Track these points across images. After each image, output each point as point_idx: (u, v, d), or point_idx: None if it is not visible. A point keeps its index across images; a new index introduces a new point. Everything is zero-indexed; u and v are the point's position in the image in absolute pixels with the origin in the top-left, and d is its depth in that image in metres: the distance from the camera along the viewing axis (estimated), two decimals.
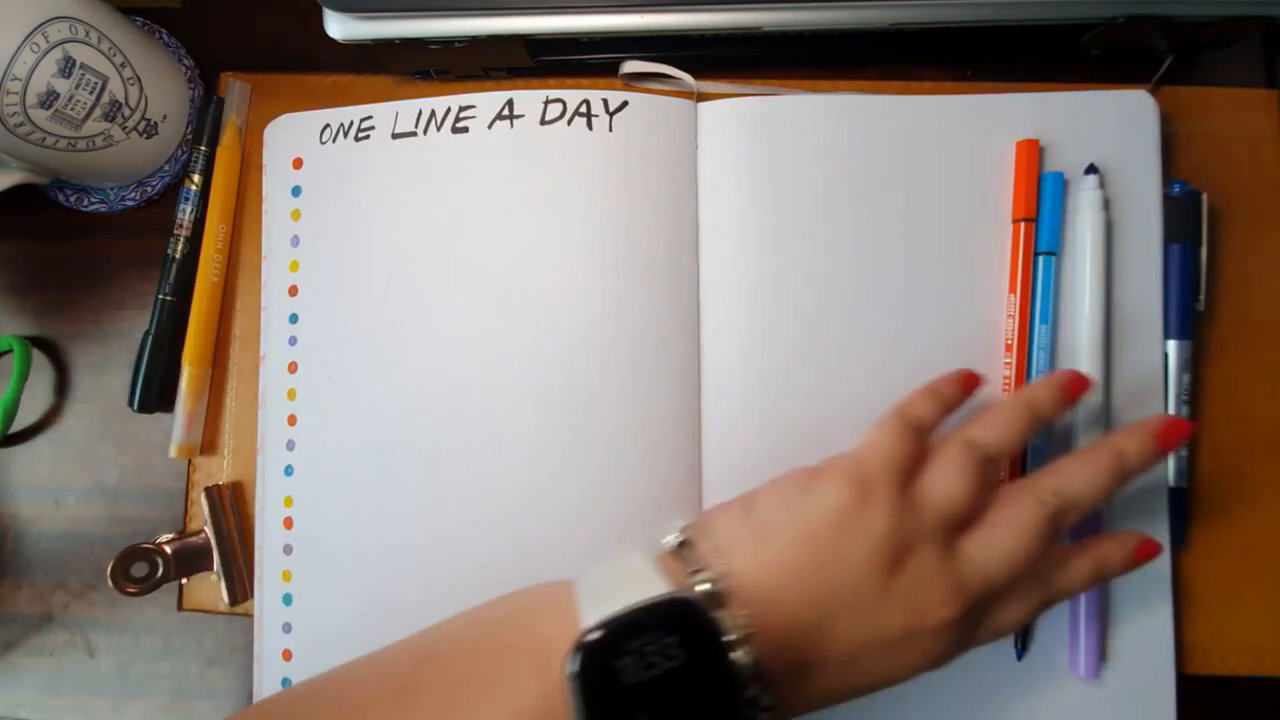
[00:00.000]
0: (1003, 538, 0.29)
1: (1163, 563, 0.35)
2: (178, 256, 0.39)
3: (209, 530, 0.38)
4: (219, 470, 0.39)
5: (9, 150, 0.35)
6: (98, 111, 0.36)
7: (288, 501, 0.37)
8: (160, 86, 0.38)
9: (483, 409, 0.36)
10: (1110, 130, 0.37)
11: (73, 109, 0.35)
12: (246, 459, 0.39)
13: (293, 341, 0.38)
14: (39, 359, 0.41)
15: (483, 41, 0.36)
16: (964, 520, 0.29)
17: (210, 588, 0.39)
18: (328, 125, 0.39)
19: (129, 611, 0.39)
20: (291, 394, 0.38)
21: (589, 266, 0.36)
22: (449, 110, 0.38)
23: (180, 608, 0.39)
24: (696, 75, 0.39)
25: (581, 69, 0.40)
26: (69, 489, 0.39)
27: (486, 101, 0.37)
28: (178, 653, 0.39)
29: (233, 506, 0.39)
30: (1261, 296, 0.38)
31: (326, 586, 0.37)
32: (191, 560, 0.38)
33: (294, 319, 0.38)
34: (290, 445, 0.37)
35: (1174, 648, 0.35)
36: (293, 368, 0.38)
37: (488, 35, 0.35)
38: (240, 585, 0.38)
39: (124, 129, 0.37)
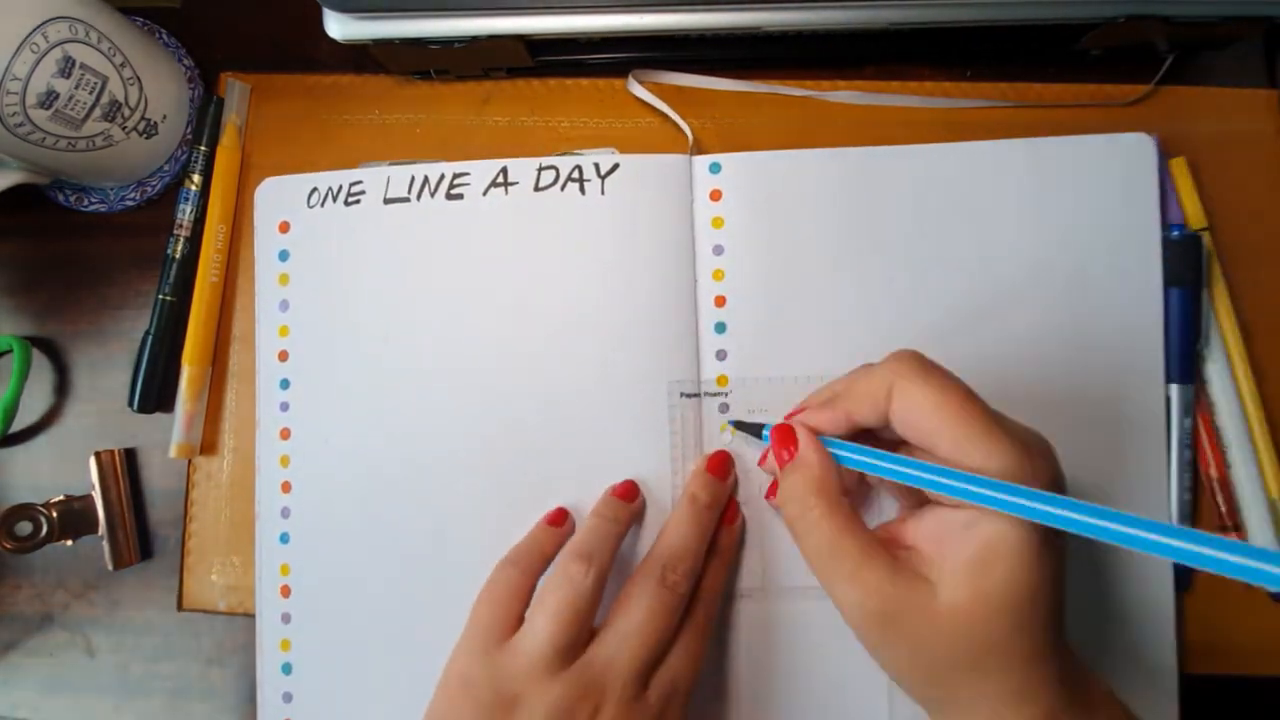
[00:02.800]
0: (621, 621, 0.30)
1: (1167, 608, 0.35)
2: (178, 256, 0.39)
3: (96, 494, 0.38)
4: (219, 470, 0.39)
5: (9, 150, 0.35)
6: (97, 111, 0.36)
7: (284, 570, 0.37)
8: (160, 86, 0.38)
9: (482, 472, 0.36)
10: (1109, 174, 0.36)
11: (72, 109, 0.35)
12: (246, 459, 0.39)
13: (284, 407, 0.38)
14: (39, 359, 0.41)
15: (483, 41, 0.36)
16: (572, 650, 0.30)
17: (210, 587, 0.39)
18: (315, 189, 0.38)
19: (129, 611, 0.39)
20: (285, 461, 0.38)
21: (585, 329, 0.36)
22: (442, 177, 0.38)
23: (180, 608, 0.39)
24: (697, 74, 0.40)
25: (581, 69, 0.40)
26: (69, 489, 0.39)
27: (480, 169, 0.38)
28: (178, 653, 0.39)
29: (123, 472, 0.39)
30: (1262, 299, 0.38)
31: (326, 656, 0.37)
32: (76, 522, 0.38)
33: (285, 385, 0.38)
34: (285, 513, 0.37)
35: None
36: (285, 434, 0.38)
37: (488, 35, 0.35)
38: (125, 549, 0.39)
39: (124, 129, 0.37)
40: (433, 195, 0.38)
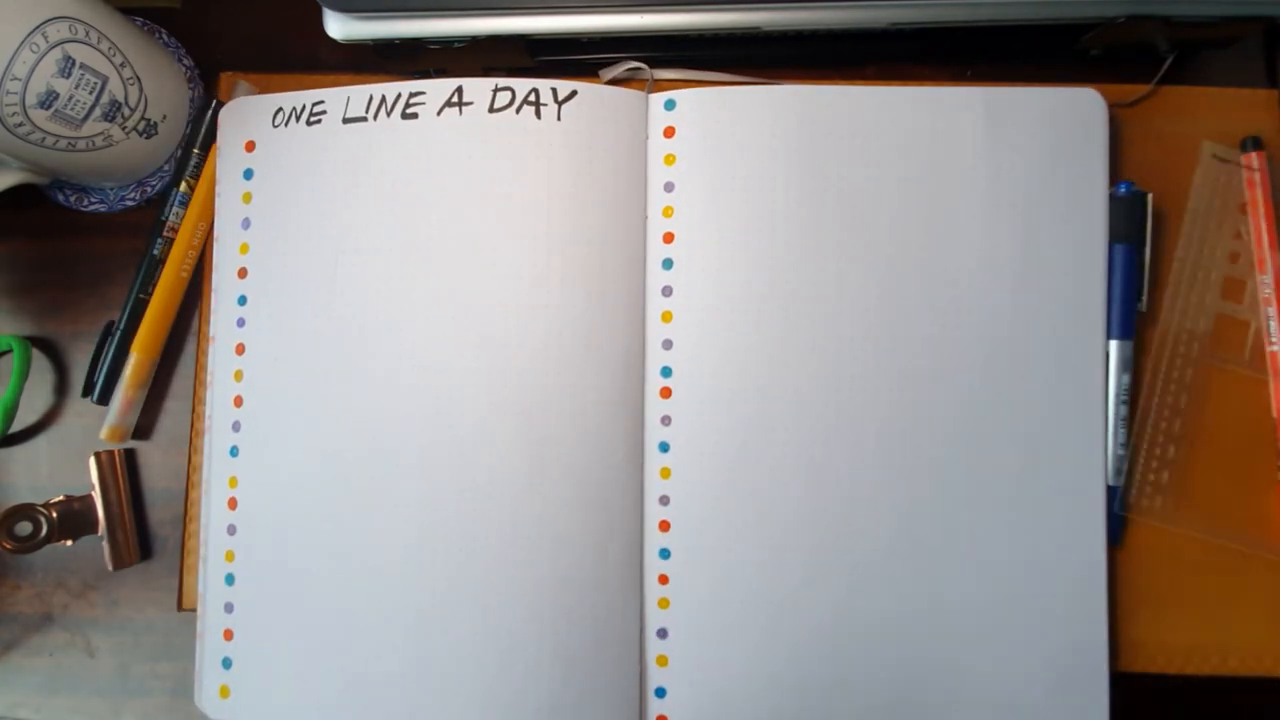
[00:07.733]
0: None
1: (1098, 560, 0.35)
2: (161, 257, 0.39)
3: (96, 494, 0.38)
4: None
5: (9, 150, 0.35)
6: (97, 111, 0.36)
7: (233, 482, 0.37)
8: (160, 86, 0.38)
9: (428, 395, 0.36)
10: (1060, 128, 0.37)
11: (72, 109, 0.35)
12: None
13: (241, 323, 0.38)
14: (39, 359, 0.41)
15: (483, 41, 0.36)
16: None
17: None
18: (280, 109, 0.39)
19: (129, 611, 0.39)
20: (239, 375, 0.38)
21: (534, 251, 0.36)
22: (399, 96, 0.38)
23: (180, 608, 0.39)
24: (697, 74, 0.40)
25: (581, 69, 0.40)
26: (69, 489, 0.39)
27: (436, 88, 0.37)
28: (178, 653, 0.39)
29: (123, 472, 0.39)
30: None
31: (269, 567, 0.37)
32: (76, 523, 0.38)
33: (243, 301, 0.38)
34: (236, 426, 0.38)
35: (1109, 645, 0.35)
36: (240, 349, 0.38)
37: (488, 35, 0.36)
38: (125, 549, 0.39)
39: (124, 129, 0.37)
40: (389, 114, 0.38)
